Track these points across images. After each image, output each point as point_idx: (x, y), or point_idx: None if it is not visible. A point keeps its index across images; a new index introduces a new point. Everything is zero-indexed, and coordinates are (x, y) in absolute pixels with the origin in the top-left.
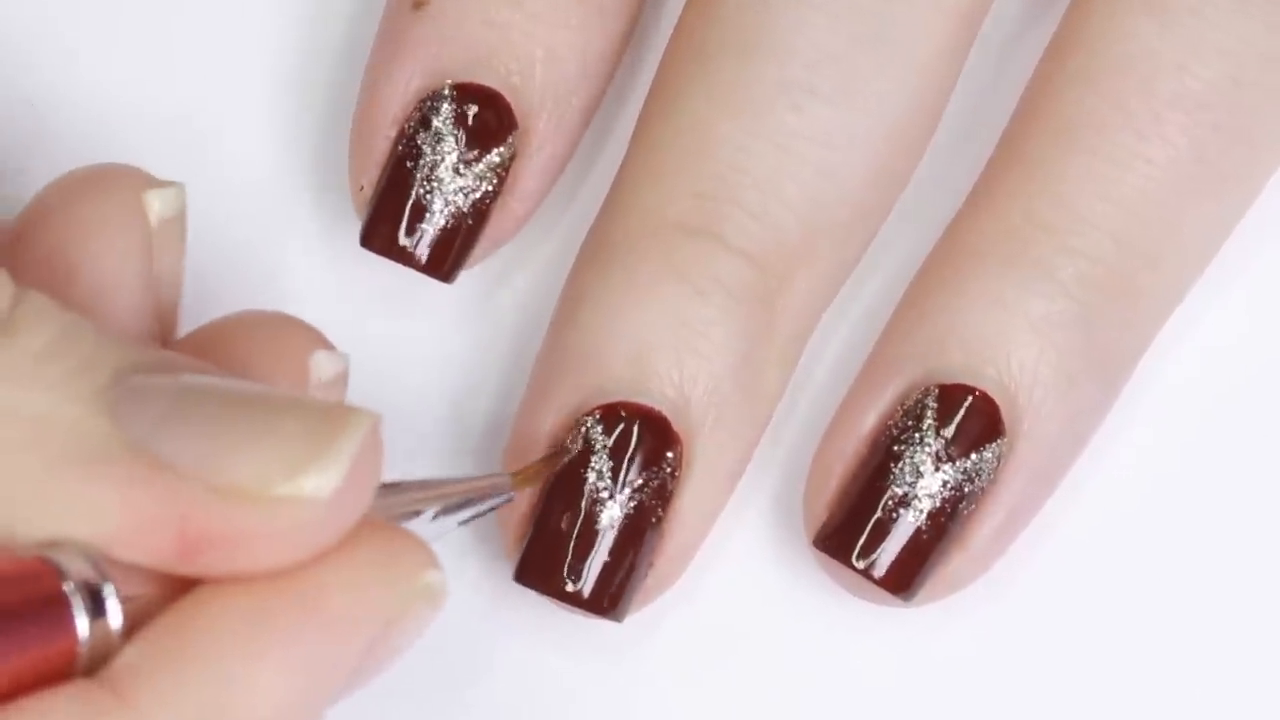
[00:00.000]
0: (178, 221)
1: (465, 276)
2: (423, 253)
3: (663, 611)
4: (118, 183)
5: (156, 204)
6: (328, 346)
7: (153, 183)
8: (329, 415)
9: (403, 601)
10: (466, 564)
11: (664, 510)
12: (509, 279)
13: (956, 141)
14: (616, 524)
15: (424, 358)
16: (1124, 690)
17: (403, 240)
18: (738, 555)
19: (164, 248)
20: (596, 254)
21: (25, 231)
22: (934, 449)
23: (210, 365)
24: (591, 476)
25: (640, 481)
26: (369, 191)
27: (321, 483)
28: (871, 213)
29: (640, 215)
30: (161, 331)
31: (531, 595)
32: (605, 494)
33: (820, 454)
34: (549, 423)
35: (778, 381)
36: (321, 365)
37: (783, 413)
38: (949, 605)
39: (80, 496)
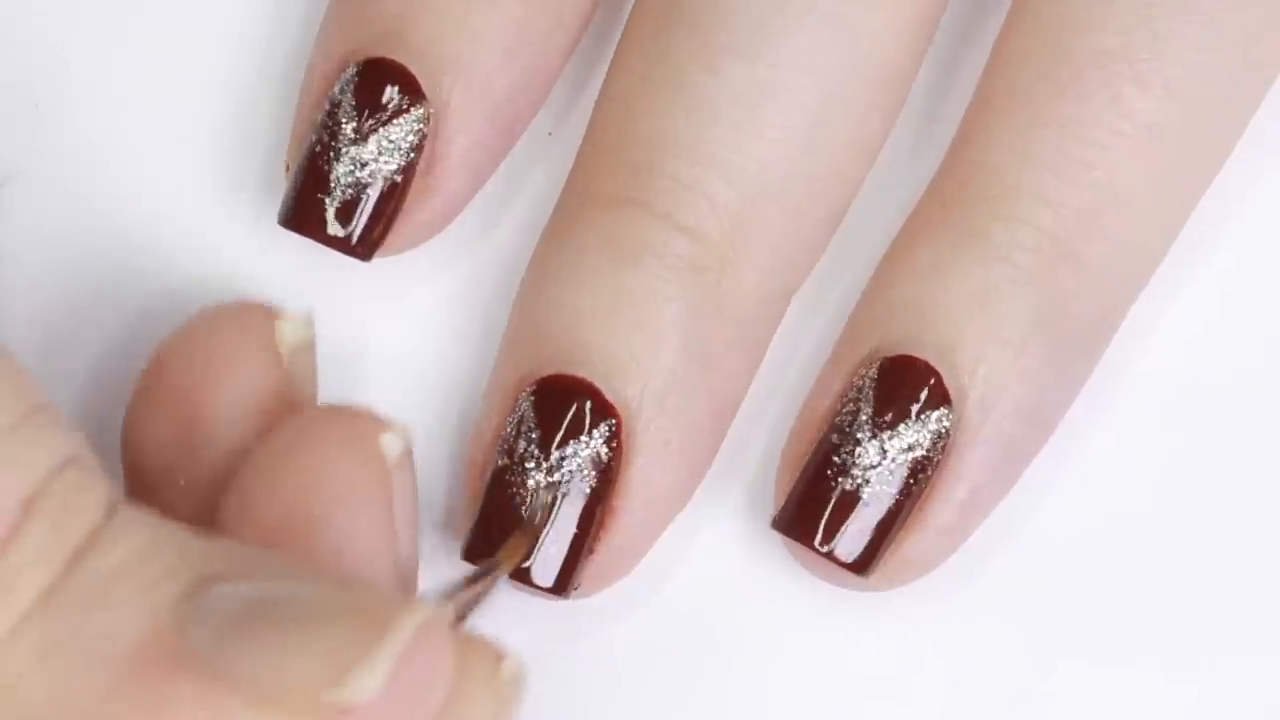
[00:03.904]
0: (308, 350)
1: (457, 272)
2: (328, 225)
3: (644, 601)
4: (244, 319)
5: (288, 333)
6: (391, 428)
7: (280, 315)
8: (377, 614)
9: (497, 705)
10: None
11: (601, 483)
12: (502, 279)
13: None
14: (546, 493)
15: (413, 353)
16: (1104, 677)
17: (309, 215)
18: (720, 547)
19: (295, 374)
20: (543, 235)
21: (153, 378)
22: (869, 418)
23: (282, 558)
24: (520, 446)
25: (569, 451)
26: (293, 170)
27: (365, 685)
28: (824, 180)
29: (575, 191)
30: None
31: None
32: (531, 464)
33: (786, 444)
34: (494, 403)
35: (738, 365)
36: (390, 448)
37: (766, 405)
38: (929, 591)
39: (145, 714)
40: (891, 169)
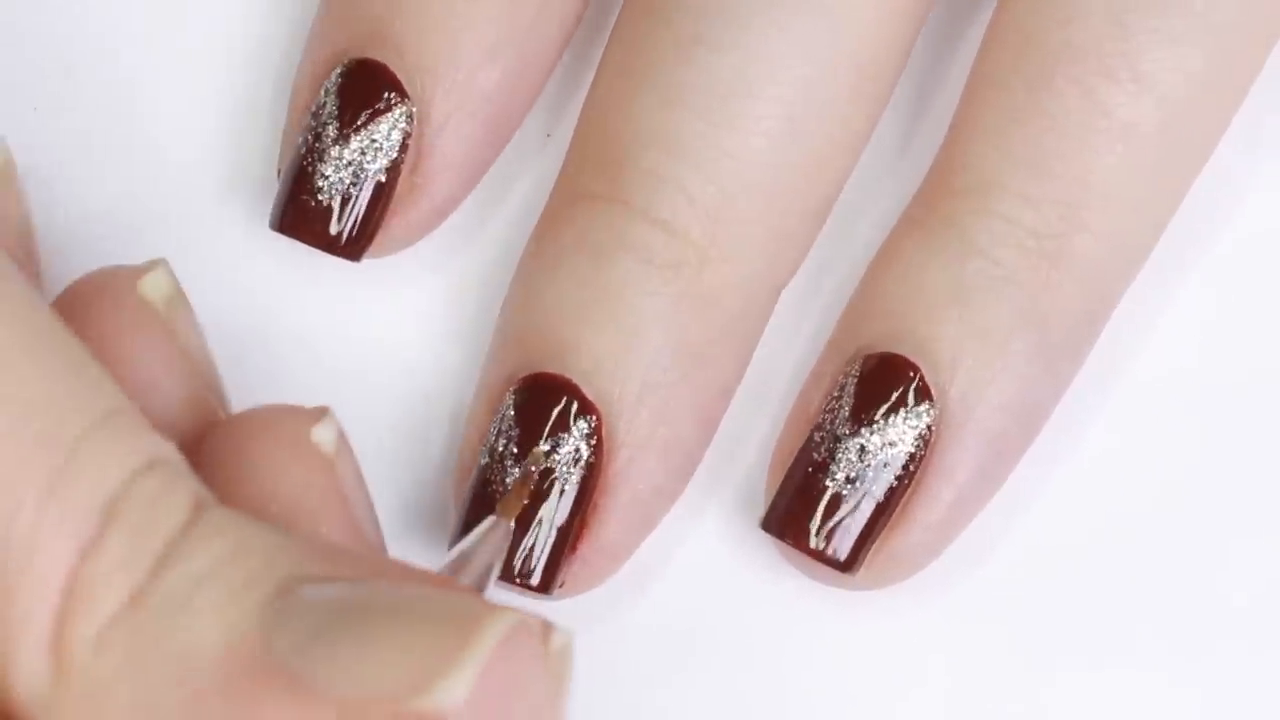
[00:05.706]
0: (178, 302)
1: (449, 273)
2: (315, 227)
3: (633, 600)
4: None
5: (150, 288)
6: (319, 418)
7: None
8: (464, 619)
9: (552, 680)
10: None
11: (583, 481)
12: (494, 279)
13: None
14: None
15: (405, 355)
16: (1101, 678)
17: (297, 218)
18: (711, 547)
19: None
20: (530, 235)
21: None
22: (849, 415)
23: (366, 555)
24: (500, 445)
25: (548, 447)
26: (281, 174)
27: (451, 693)
28: (805, 172)
29: (559, 190)
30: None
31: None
32: (511, 462)
33: (776, 444)
34: (481, 404)
35: (725, 360)
36: (323, 440)
37: (759, 405)
38: (922, 590)
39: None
40: (888, 165)
